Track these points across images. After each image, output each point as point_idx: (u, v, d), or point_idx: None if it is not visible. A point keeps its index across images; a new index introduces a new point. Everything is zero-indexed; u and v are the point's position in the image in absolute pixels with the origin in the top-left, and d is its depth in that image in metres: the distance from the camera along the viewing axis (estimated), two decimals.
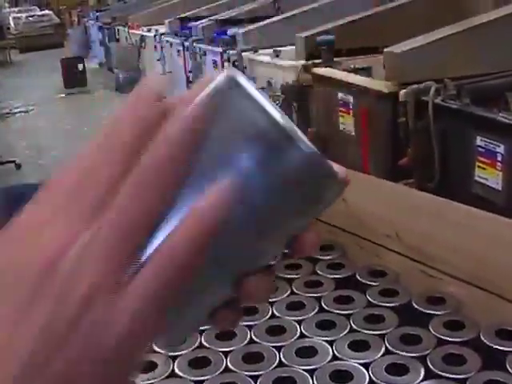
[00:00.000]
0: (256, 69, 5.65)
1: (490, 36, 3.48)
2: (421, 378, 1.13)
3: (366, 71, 4.16)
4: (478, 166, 3.08)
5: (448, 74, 3.31)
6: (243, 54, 5.91)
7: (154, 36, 9.32)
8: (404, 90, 3.34)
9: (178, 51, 8.36)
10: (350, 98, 3.85)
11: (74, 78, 12.20)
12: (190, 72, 7.96)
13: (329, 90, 4.07)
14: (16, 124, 9.80)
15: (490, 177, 3.04)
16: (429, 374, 1.14)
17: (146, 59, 10.44)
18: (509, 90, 3.16)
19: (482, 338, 1.22)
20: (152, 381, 1.16)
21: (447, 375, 1.13)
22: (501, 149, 2.96)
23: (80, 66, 12.29)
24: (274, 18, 6.06)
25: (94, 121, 9.36)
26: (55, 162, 7.35)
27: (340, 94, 3.93)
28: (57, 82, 12.20)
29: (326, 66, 4.25)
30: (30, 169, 7.24)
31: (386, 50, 3.59)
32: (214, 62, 7.00)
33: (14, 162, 7.25)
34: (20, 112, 10.62)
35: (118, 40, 12.17)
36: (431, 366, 1.15)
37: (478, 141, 3.06)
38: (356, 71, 4.12)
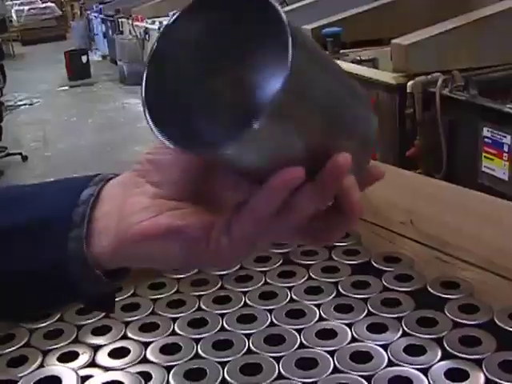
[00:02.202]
0: None
1: (497, 28, 3.51)
2: (438, 358, 1.17)
3: (372, 63, 4.18)
4: (485, 157, 3.12)
5: (455, 65, 3.34)
6: None
7: (158, 28, 9.34)
8: (411, 82, 3.37)
9: None
10: None
11: (77, 70, 12.22)
12: None
13: None
14: (21, 116, 9.83)
15: (496, 167, 3.07)
16: (446, 355, 1.17)
17: (149, 51, 10.46)
18: None
19: (497, 321, 1.25)
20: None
21: (464, 356, 1.16)
22: (507, 139, 3.00)
23: (84, 59, 12.32)
24: None
25: (99, 113, 9.39)
26: (61, 154, 7.38)
27: None
28: (60, 75, 12.22)
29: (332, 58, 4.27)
30: (37, 160, 7.27)
31: (393, 41, 3.62)
32: None
33: (20, 153, 7.29)
34: (24, 104, 10.65)
35: (121, 32, 12.20)
36: (448, 348, 1.19)
37: (485, 132, 3.09)
38: (362, 63, 4.14)
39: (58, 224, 0.66)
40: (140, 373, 1.18)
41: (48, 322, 1.36)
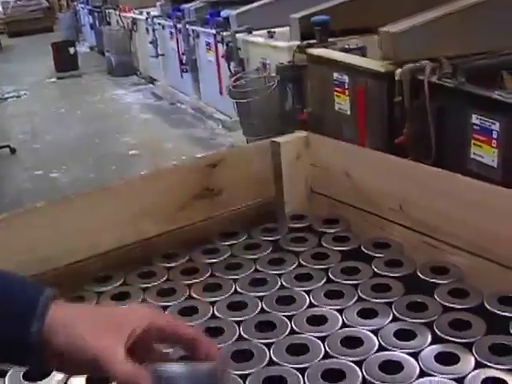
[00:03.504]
0: (250, 50, 5.67)
1: (485, 15, 3.51)
2: (428, 342, 1.17)
3: (360, 51, 4.18)
4: (474, 144, 3.12)
5: (444, 53, 3.34)
6: (237, 35, 5.91)
7: (146, 19, 9.30)
8: (400, 69, 3.37)
9: (171, 34, 8.36)
10: (346, 78, 3.88)
11: (65, 61, 12.15)
12: (183, 54, 7.96)
13: (324, 70, 4.09)
14: (8, 109, 9.78)
15: (485, 154, 3.08)
16: (436, 339, 1.18)
17: (137, 42, 10.42)
18: (504, 69, 3.19)
19: (486, 305, 1.26)
20: None
21: (454, 339, 1.17)
22: (496, 126, 3.00)
23: (71, 50, 12.24)
24: None
25: (87, 104, 9.35)
26: (50, 146, 7.35)
27: (335, 74, 3.95)
28: (48, 67, 12.15)
29: (321, 47, 4.27)
30: (25, 153, 7.24)
31: (381, 29, 3.61)
32: (208, 44, 7.01)
33: (8, 146, 7.25)
34: (12, 97, 10.59)
35: (109, 23, 12.13)
36: (438, 332, 1.19)
37: (474, 119, 3.09)
38: (351, 51, 4.14)
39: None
40: None
41: None
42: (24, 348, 0.79)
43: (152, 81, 10.05)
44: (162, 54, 9.05)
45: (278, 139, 1.70)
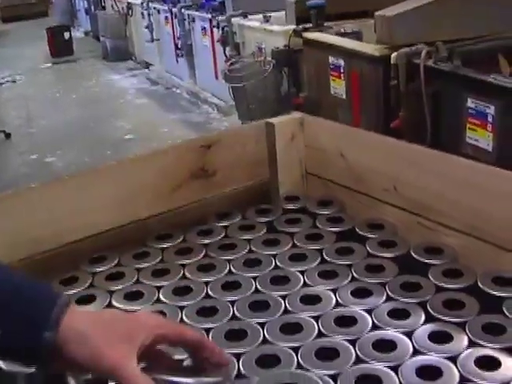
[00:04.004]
0: (246, 34, 5.65)
1: None
2: (422, 321, 1.17)
3: (356, 35, 4.17)
4: (469, 128, 3.12)
5: (439, 37, 3.33)
6: (232, 19, 5.90)
7: (141, 3, 9.25)
8: (395, 53, 3.36)
9: (166, 18, 8.33)
10: (341, 62, 3.87)
11: (60, 47, 12.11)
12: (178, 39, 7.93)
13: (320, 55, 4.09)
14: (4, 94, 9.75)
15: (480, 138, 3.08)
16: (429, 318, 1.18)
17: (132, 27, 10.38)
18: (500, 53, 3.18)
19: (480, 285, 1.26)
20: None
21: (447, 319, 1.17)
22: (491, 110, 3.00)
23: (66, 35, 12.20)
24: None
25: (82, 89, 9.32)
26: (45, 130, 7.33)
27: (331, 58, 3.94)
28: (43, 52, 12.11)
29: (316, 31, 4.26)
30: (20, 137, 7.22)
31: (377, 13, 3.60)
32: (203, 29, 6.99)
33: (3, 131, 7.23)
34: (7, 82, 10.55)
35: (103, 8, 12.09)
36: (431, 311, 1.19)
37: (469, 102, 3.09)
38: (346, 35, 4.13)
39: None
40: None
41: None
42: (36, 352, 0.81)
43: (147, 66, 10.02)
44: (158, 39, 9.02)
45: (273, 120, 1.69)
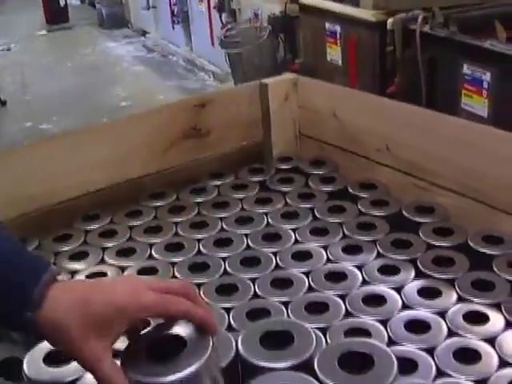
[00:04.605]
0: (242, 0, 5.60)
1: None
2: (412, 277, 1.18)
3: (352, 1, 4.13)
4: (465, 94, 3.11)
5: (436, 2, 3.31)
6: None
7: None
8: (391, 19, 3.34)
9: None
10: (338, 28, 3.85)
11: (55, 14, 11.99)
12: (174, 5, 7.87)
13: (316, 21, 4.06)
14: None
15: (475, 104, 3.07)
16: (419, 275, 1.19)
17: None
18: (497, 19, 3.16)
19: (470, 243, 1.27)
20: None
21: (437, 275, 1.18)
22: (487, 76, 2.99)
23: (62, 2, 12.07)
24: None
25: (78, 57, 9.27)
26: (40, 98, 7.30)
27: (327, 25, 3.92)
28: (38, 19, 12.00)
29: None
30: (16, 105, 7.19)
31: None
32: None
33: None
34: (2, 50, 10.47)
35: None
36: (421, 268, 1.20)
37: (465, 69, 3.08)
38: (343, 1, 4.09)
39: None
40: None
41: None
42: (19, 327, 0.82)
43: (143, 33, 9.94)
44: (154, 7, 8.95)
45: (267, 81, 1.69)
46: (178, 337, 0.81)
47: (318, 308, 1.10)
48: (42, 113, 6.68)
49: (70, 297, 0.80)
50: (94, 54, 9.42)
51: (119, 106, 6.56)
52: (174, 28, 8.15)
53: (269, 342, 0.93)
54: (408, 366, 0.97)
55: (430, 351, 1.00)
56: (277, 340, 0.94)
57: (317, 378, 0.87)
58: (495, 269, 1.19)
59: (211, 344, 0.80)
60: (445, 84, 3.24)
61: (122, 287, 0.81)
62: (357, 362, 0.89)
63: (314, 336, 0.95)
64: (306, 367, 0.88)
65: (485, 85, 3.00)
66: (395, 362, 0.88)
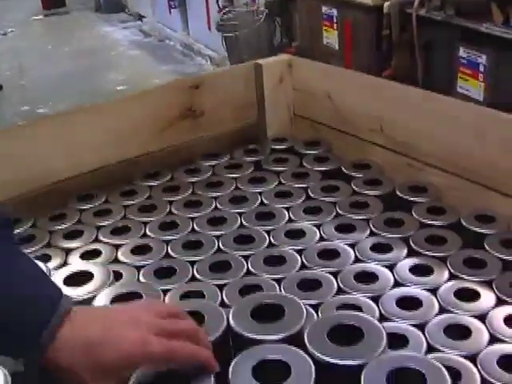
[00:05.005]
0: None
1: None
2: (404, 255, 1.19)
3: None
4: (460, 77, 3.11)
5: None
6: None
7: None
8: (388, 2, 3.34)
9: None
10: (334, 12, 3.84)
11: None
12: None
13: (312, 4, 4.05)
14: None
15: (471, 87, 3.07)
16: (412, 253, 1.20)
17: None
18: (493, 1, 3.16)
19: (462, 222, 1.27)
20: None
21: (429, 253, 1.19)
22: (483, 59, 2.99)
23: None
24: None
25: (75, 41, 9.24)
26: (37, 82, 7.29)
27: (324, 8, 3.91)
28: (34, 4, 11.95)
29: None
30: (12, 89, 7.17)
31: None
32: None
33: None
34: None
35: None
36: (414, 246, 1.21)
37: (461, 52, 3.08)
38: None
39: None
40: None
41: (20, 229, 1.37)
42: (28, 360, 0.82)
43: (140, 17, 9.91)
44: None
45: (261, 61, 1.69)
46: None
47: (310, 285, 1.11)
48: (38, 97, 6.67)
49: (79, 342, 0.81)
50: (90, 39, 9.39)
51: (116, 90, 6.54)
52: (170, 12, 8.12)
53: (260, 315, 0.94)
54: (399, 341, 0.97)
55: (421, 327, 1.01)
56: (268, 313, 0.94)
57: (306, 351, 0.87)
58: (487, 247, 1.20)
59: (212, 380, 0.84)
60: (441, 67, 3.24)
61: (133, 335, 0.81)
62: (346, 334, 0.90)
63: (304, 309, 0.95)
64: (296, 340, 0.89)
65: (481, 68, 3.00)
66: (384, 334, 0.89)
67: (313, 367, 0.84)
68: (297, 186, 1.45)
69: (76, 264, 1.23)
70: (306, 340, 0.88)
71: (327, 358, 0.85)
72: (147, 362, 0.83)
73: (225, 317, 0.95)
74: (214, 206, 1.40)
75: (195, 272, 1.16)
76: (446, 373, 0.84)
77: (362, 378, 0.82)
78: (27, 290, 0.81)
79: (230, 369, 0.85)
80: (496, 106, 2.84)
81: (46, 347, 0.79)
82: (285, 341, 0.89)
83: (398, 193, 1.39)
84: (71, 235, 1.34)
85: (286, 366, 0.85)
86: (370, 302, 1.06)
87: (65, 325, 0.80)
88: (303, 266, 1.17)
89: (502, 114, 1.30)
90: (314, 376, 0.83)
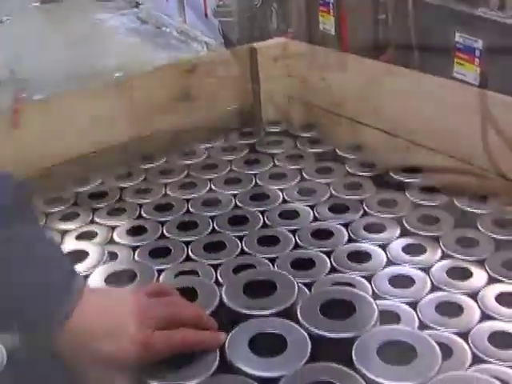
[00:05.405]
0: None
1: None
2: (397, 235, 1.20)
3: None
4: (457, 62, 3.11)
5: None
6: None
7: None
8: None
9: None
10: None
11: None
12: None
13: None
14: None
15: (467, 72, 3.07)
16: (404, 233, 1.21)
17: None
18: None
19: (456, 203, 1.28)
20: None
21: (422, 233, 1.20)
22: (479, 44, 2.98)
23: None
24: None
25: (71, 28, 9.21)
26: (33, 70, 7.27)
27: None
28: None
29: None
30: (8, 77, 7.16)
31: None
32: None
33: None
34: None
35: None
36: (407, 226, 1.22)
37: (457, 37, 3.07)
38: None
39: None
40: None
41: None
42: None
43: (137, 5, 9.88)
44: None
45: (256, 45, 1.70)
46: None
47: (304, 264, 1.12)
48: (35, 84, 6.66)
49: (87, 323, 0.82)
50: (87, 26, 9.36)
51: (113, 77, 6.53)
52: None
53: (252, 291, 0.95)
54: (391, 318, 0.98)
55: (414, 305, 1.02)
56: (260, 289, 0.95)
57: (299, 324, 0.89)
58: (480, 227, 1.20)
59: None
60: (437, 52, 3.23)
61: (136, 335, 0.83)
62: (339, 309, 0.91)
63: (296, 285, 0.97)
64: (288, 315, 0.90)
65: (477, 53, 3.00)
66: (376, 309, 0.90)
67: (308, 340, 0.86)
68: (291, 167, 1.46)
69: (71, 244, 1.24)
70: (298, 314, 0.89)
71: (320, 332, 0.87)
72: (151, 358, 0.83)
73: (218, 293, 0.96)
74: (208, 187, 1.40)
75: (190, 252, 1.17)
76: (436, 346, 0.85)
77: (354, 350, 0.83)
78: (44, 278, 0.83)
79: (227, 342, 0.86)
80: (492, 91, 2.84)
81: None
82: (277, 315, 0.90)
83: (391, 174, 1.40)
84: (67, 217, 1.34)
85: (282, 339, 0.86)
86: (363, 281, 1.07)
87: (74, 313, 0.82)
88: (297, 246, 1.18)
89: (499, 95, 1.31)
90: (309, 349, 0.84)
